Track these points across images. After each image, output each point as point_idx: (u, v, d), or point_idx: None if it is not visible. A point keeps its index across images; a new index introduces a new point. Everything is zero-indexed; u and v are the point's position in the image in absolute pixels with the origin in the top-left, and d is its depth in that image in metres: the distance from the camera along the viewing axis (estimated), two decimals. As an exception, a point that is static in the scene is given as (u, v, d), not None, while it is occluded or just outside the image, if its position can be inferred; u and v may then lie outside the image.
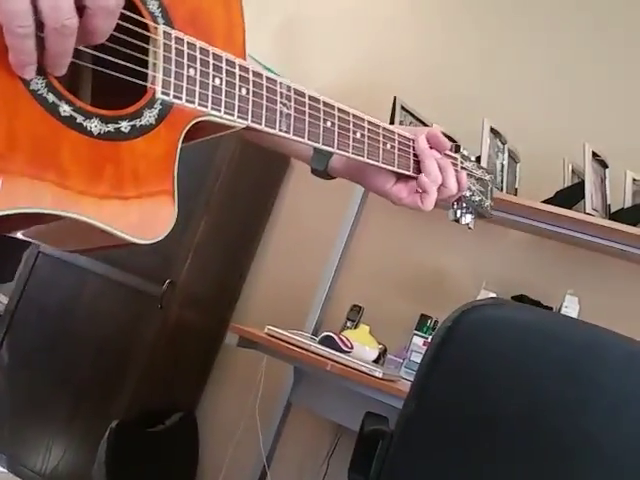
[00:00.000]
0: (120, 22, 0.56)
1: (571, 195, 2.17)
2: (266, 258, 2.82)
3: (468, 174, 0.92)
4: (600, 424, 1.12)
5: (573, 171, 2.26)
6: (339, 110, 0.76)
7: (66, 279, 2.64)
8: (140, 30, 0.58)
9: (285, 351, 2.01)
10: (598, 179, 2.20)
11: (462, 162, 0.92)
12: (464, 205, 0.93)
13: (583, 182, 2.12)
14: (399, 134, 0.83)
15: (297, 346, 2.02)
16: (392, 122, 2.33)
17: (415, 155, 0.84)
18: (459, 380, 1.14)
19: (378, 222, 2.61)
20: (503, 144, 2.34)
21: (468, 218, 0.94)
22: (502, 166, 2.31)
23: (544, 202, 2.17)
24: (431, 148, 0.85)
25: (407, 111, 2.40)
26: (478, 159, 2.23)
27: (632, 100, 2.39)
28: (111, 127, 0.56)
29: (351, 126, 0.77)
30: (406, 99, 2.41)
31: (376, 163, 0.80)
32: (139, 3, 0.59)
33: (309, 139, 0.72)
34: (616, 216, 2.14)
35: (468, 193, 0.92)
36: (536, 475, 1.15)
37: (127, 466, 2.38)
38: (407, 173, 0.83)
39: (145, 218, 0.58)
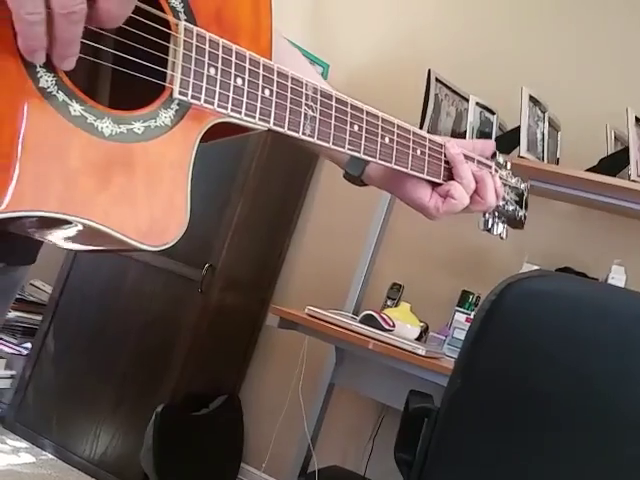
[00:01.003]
0: (140, 18, 0.54)
1: (615, 162, 2.10)
2: (304, 238, 2.81)
3: (503, 183, 0.88)
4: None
5: (616, 137, 2.19)
6: (367, 114, 0.72)
7: (107, 267, 2.67)
8: (160, 27, 0.56)
9: (326, 331, 2.01)
10: (643, 145, 2.12)
11: (497, 170, 0.87)
12: (496, 214, 0.88)
13: (627, 148, 2.05)
14: (430, 139, 0.79)
15: (338, 326, 2.01)
16: (427, 95, 2.28)
17: (447, 162, 0.80)
18: (506, 354, 1.11)
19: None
20: (543, 113, 2.27)
21: (500, 228, 0.89)
22: (543, 135, 2.25)
23: (587, 171, 2.11)
24: (470, 157, 0.82)
25: (442, 83, 2.35)
26: (518, 129, 2.17)
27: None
28: (124, 128, 0.54)
29: (380, 130, 0.73)
30: (441, 71, 2.35)
31: (404, 170, 0.76)
32: None
33: (334, 143, 0.68)
34: (663, 182, 2.07)
35: (502, 202, 0.87)
36: (589, 450, 1.12)
37: (174, 450, 2.41)
38: (437, 181, 0.80)
39: (155, 225, 0.56)
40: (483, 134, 2.33)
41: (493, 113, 2.38)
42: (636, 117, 2.09)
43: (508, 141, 2.24)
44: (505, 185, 0.89)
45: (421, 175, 0.78)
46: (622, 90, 2.32)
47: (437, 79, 2.33)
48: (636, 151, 2.06)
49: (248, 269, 2.69)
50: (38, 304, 2.88)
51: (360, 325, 2.01)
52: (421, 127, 2.23)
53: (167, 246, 0.57)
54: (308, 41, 2.83)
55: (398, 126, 0.76)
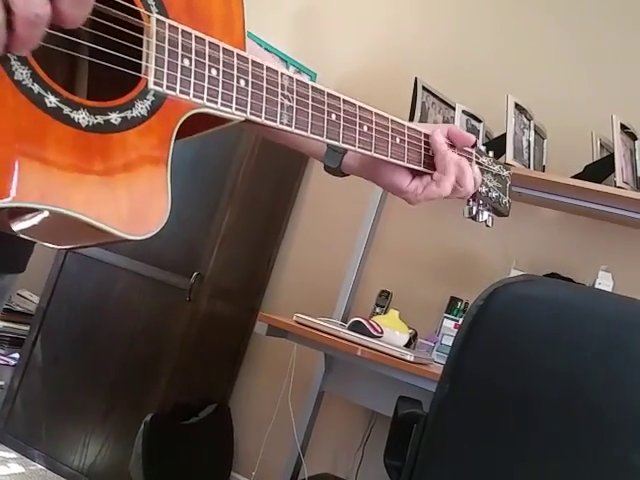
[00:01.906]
0: (113, 10, 0.54)
1: (601, 169, 2.12)
2: (293, 246, 2.82)
3: (485, 170, 0.89)
4: (638, 396, 1.09)
5: (602, 145, 2.21)
6: (345, 102, 0.73)
7: (95, 276, 2.66)
8: (132, 18, 0.56)
9: (315, 338, 2.01)
10: (627, 151, 2.15)
11: (478, 157, 0.88)
12: (480, 202, 0.90)
13: (612, 155, 2.07)
14: (409, 127, 0.80)
15: (327, 333, 2.01)
16: (414, 103, 2.30)
17: (427, 150, 0.81)
18: (493, 359, 1.12)
19: (403, 205, 2.56)
20: (529, 120, 2.29)
21: (485, 215, 0.91)
22: (529, 143, 2.27)
23: (573, 177, 2.12)
24: (452, 145, 0.83)
25: (429, 91, 2.36)
26: (504, 137, 2.18)
27: (660, 69, 2.32)
28: (100, 119, 0.54)
29: (357, 119, 0.73)
30: (427, 79, 2.37)
31: (384, 157, 0.77)
32: None
33: (312, 132, 0.68)
34: (648, 188, 2.09)
35: (484, 189, 0.89)
36: (575, 453, 1.12)
37: (163, 459, 2.40)
38: (417, 168, 0.80)
39: (136, 213, 0.55)
40: (470, 141, 2.35)
41: (480, 121, 2.40)
42: (621, 124, 2.11)
43: (494, 148, 2.24)
44: (487, 172, 0.90)
45: (401, 162, 0.79)
46: (607, 98, 2.35)
47: (424, 87, 2.35)
48: (621, 158, 2.08)
49: (237, 277, 2.69)
50: (26, 314, 2.86)
51: (348, 332, 2.02)
52: (408, 135, 2.24)
53: (151, 234, 0.56)
54: (296, 50, 2.84)
55: (376, 114, 0.76)
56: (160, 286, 2.53)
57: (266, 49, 2.66)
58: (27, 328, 2.77)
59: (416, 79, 2.32)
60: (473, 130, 2.38)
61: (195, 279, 2.47)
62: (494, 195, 0.91)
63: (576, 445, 1.12)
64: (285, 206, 2.82)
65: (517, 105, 2.23)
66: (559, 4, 2.52)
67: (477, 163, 0.88)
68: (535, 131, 2.31)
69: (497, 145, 2.25)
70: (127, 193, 0.55)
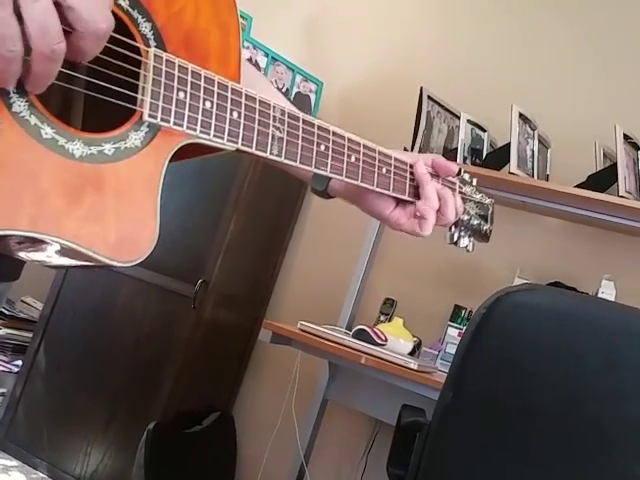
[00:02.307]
0: (111, 46, 0.56)
1: (604, 178, 2.12)
2: (297, 254, 2.82)
3: (468, 199, 0.93)
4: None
5: (605, 154, 2.21)
6: (334, 134, 0.76)
7: (99, 283, 2.67)
8: (131, 54, 0.58)
9: (319, 346, 2.01)
10: (630, 161, 2.15)
11: (461, 187, 0.92)
12: (462, 229, 0.93)
13: (615, 165, 2.08)
14: (396, 158, 0.83)
15: (330, 340, 2.01)
16: (419, 112, 2.30)
17: (412, 180, 0.84)
18: (495, 368, 1.12)
19: (407, 214, 2.58)
20: (533, 130, 2.30)
21: (466, 241, 0.95)
22: (533, 152, 2.27)
23: (576, 187, 2.13)
24: (435, 174, 0.86)
25: (434, 101, 2.37)
26: (508, 146, 2.19)
27: (664, 79, 2.33)
28: (94, 150, 0.56)
29: (346, 150, 0.76)
30: (433, 89, 2.38)
31: (371, 187, 0.80)
32: (131, 25, 0.59)
33: (301, 162, 0.71)
34: (651, 198, 2.09)
35: (466, 217, 0.92)
36: (575, 465, 1.12)
37: (166, 468, 2.40)
38: (403, 197, 0.84)
39: (124, 242, 0.58)
40: (474, 151, 2.36)
41: (484, 130, 2.41)
42: (624, 134, 2.12)
43: (499, 158, 2.27)
44: (470, 200, 0.94)
45: (387, 192, 0.82)
46: (610, 108, 2.35)
47: (429, 97, 2.36)
48: (624, 167, 2.08)
49: (241, 285, 2.69)
50: (29, 321, 2.87)
51: (352, 340, 2.02)
52: (413, 144, 2.25)
53: (138, 261, 0.58)
54: (303, 58, 2.86)
55: (364, 145, 0.79)
56: (164, 293, 2.54)
57: (273, 58, 2.68)
58: (30, 335, 2.77)
59: (421, 88, 2.34)
60: (478, 139, 2.39)
61: (200, 286, 2.47)
62: (475, 222, 0.94)
63: (576, 456, 1.12)
64: (290, 214, 2.83)
65: (521, 115, 2.23)
66: (563, 16, 2.53)
67: (460, 192, 0.91)
68: (539, 141, 2.32)
69: (501, 154, 2.26)
70: (116, 221, 0.57)
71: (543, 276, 2.28)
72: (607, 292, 2.03)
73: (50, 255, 0.58)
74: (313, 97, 2.77)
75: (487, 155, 2.34)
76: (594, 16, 2.47)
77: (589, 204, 2.12)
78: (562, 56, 2.50)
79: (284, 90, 2.68)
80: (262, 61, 2.63)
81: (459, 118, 2.37)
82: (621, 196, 2.03)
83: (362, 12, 2.93)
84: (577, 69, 2.46)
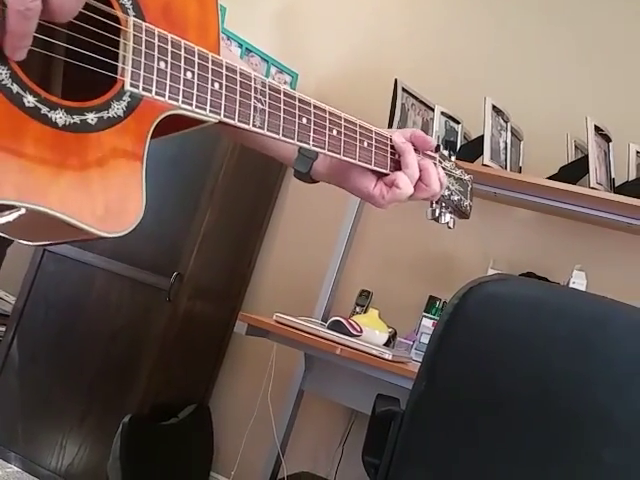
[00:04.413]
0: (91, 14, 0.55)
1: (575, 170, 2.16)
2: (273, 246, 2.82)
3: (448, 174, 0.92)
4: (611, 398, 1.12)
5: (576, 146, 2.25)
6: (315, 107, 0.75)
7: (72, 276, 2.65)
8: (110, 22, 0.58)
9: (294, 337, 2.02)
10: (602, 153, 2.19)
11: (441, 162, 0.91)
12: (443, 204, 0.93)
13: (587, 157, 2.11)
14: (376, 132, 0.83)
15: (306, 332, 2.02)
16: (394, 104, 2.32)
17: (393, 154, 0.84)
18: (468, 357, 1.13)
19: (383, 206, 2.60)
20: (506, 122, 2.32)
21: (447, 217, 0.94)
22: (506, 144, 2.30)
23: (548, 179, 2.16)
24: (415, 149, 0.85)
25: (409, 93, 2.39)
26: (481, 138, 2.21)
27: (635, 73, 2.37)
28: (77, 119, 0.56)
29: (327, 123, 0.76)
30: (407, 81, 2.39)
31: (353, 161, 0.79)
32: None
33: (284, 135, 0.71)
34: (621, 189, 2.13)
35: (447, 192, 0.92)
36: (548, 451, 1.15)
37: (142, 460, 2.39)
38: (384, 171, 0.83)
39: (111, 211, 0.57)
40: (448, 143, 2.38)
41: (458, 122, 2.43)
42: (595, 126, 2.15)
43: (472, 150, 2.29)
44: (450, 176, 0.93)
45: (368, 166, 0.81)
46: (582, 100, 2.39)
47: (404, 89, 2.37)
48: (595, 159, 2.11)
49: (217, 277, 2.69)
50: (1, 315, 2.83)
51: (328, 331, 2.03)
52: (387, 136, 2.26)
53: (126, 232, 0.58)
54: (277, 50, 2.85)
55: (345, 119, 0.79)
56: (139, 286, 2.53)
57: (247, 49, 2.67)
58: (3, 329, 2.74)
59: (396, 80, 2.35)
60: (452, 131, 2.41)
61: (175, 279, 2.47)
62: (456, 198, 0.94)
63: (548, 443, 1.14)
64: (266, 206, 2.82)
65: (494, 107, 2.26)
66: (536, 9, 2.56)
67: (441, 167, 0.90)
68: (512, 133, 2.34)
69: (475, 146, 2.28)
70: (103, 191, 0.56)
71: (516, 267, 2.31)
72: (578, 282, 2.07)
73: (35, 228, 0.58)
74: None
75: (461, 147, 2.37)
76: (566, 9, 2.50)
77: (561, 196, 2.15)
78: (534, 49, 2.52)
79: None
80: (236, 52, 2.62)
81: (433, 110, 2.39)
82: (592, 187, 2.07)
83: (336, 3, 2.93)
84: (549, 62, 2.49)
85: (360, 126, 0.81)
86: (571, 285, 2.06)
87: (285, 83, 2.77)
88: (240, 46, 2.64)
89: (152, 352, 2.48)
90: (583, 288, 2.05)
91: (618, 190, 2.13)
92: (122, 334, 2.53)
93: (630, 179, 2.12)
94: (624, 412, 1.11)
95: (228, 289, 2.75)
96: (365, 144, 0.81)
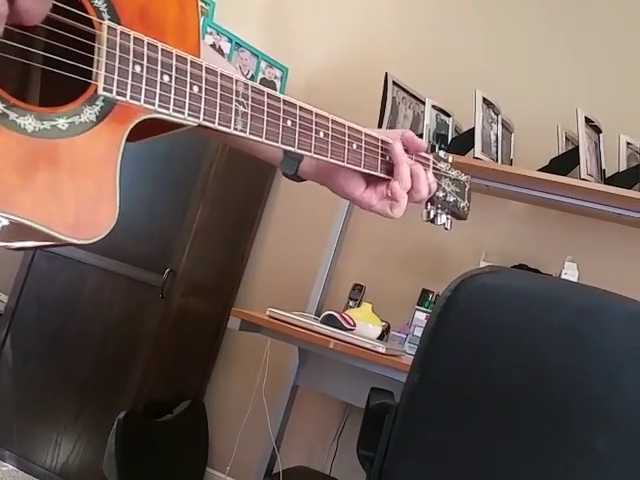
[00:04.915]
0: (63, 19, 0.55)
1: (566, 162, 2.16)
2: (266, 242, 2.82)
3: (443, 175, 0.91)
4: (603, 387, 1.12)
5: (567, 138, 2.25)
6: (301, 109, 0.74)
7: (65, 274, 2.64)
8: (83, 27, 0.57)
9: (288, 332, 2.02)
10: (592, 144, 2.19)
11: (435, 163, 0.90)
12: (438, 206, 0.92)
13: (577, 148, 2.11)
14: (366, 134, 0.81)
15: (299, 326, 2.02)
16: (384, 98, 2.32)
17: (383, 156, 0.82)
18: (460, 349, 1.14)
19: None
20: (497, 115, 2.33)
21: (443, 219, 0.93)
22: (497, 137, 2.30)
23: (539, 171, 2.16)
24: (406, 150, 0.84)
25: (399, 86, 2.39)
26: (472, 131, 2.21)
27: (624, 64, 2.37)
28: (47, 124, 0.55)
29: (314, 125, 0.74)
30: (398, 75, 2.39)
31: (341, 163, 0.78)
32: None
33: (267, 138, 0.70)
34: (611, 180, 2.14)
35: (442, 194, 0.91)
36: (540, 440, 1.15)
37: (137, 456, 2.39)
38: (374, 174, 0.82)
39: (82, 218, 0.56)
40: (439, 136, 2.38)
41: (449, 115, 2.43)
42: (586, 118, 2.15)
43: (463, 143, 2.29)
44: (445, 177, 0.92)
45: (358, 168, 0.80)
46: (572, 91, 2.39)
47: (394, 82, 2.37)
48: (585, 150, 2.12)
49: (210, 273, 2.68)
50: (-5, 313, 2.82)
51: (321, 325, 2.03)
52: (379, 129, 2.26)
53: (98, 239, 0.57)
54: (267, 44, 2.84)
55: (333, 121, 0.77)
56: (132, 283, 2.52)
57: (237, 44, 2.66)
58: (-3, 328, 2.74)
59: (386, 74, 2.34)
60: (443, 125, 2.41)
61: (167, 276, 2.46)
62: (452, 199, 0.93)
63: (541, 433, 1.15)
64: (258, 201, 2.82)
65: (485, 100, 2.26)
66: (526, 1, 2.56)
67: (434, 169, 0.89)
68: (503, 125, 2.34)
69: (466, 139, 2.28)
70: (74, 198, 0.56)
71: (508, 259, 2.32)
72: (570, 273, 2.07)
73: (6, 233, 0.57)
74: (278, 83, 2.76)
75: (452, 140, 2.37)
76: (556, 2, 2.50)
77: (552, 187, 2.16)
78: (524, 41, 2.52)
79: (249, 77, 2.67)
80: (226, 47, 2.61)
81: (424, 104, 2.39)
82: (583, 179, 2.07)
83: (327, -3, 2.92)
84: (539, 54, 2.49)
85: (349, 127, 0.79)
86: (563, 276, 2.07)
87: (275, 78, 2.77)
88: (230, 41, 2.63)
89: (146, 349, 2.48)
90: (575, 279, 2.06)
91: (609, 181, 2.14)
92: (115, 331, 2.53)
93: (620, 170, 2.13)
94: (617, 402, 1.12)
95: (221, 285, 2.75)
96: (354, 146, 0.79)
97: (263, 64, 2.74)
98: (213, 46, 2.56)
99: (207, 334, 2.75)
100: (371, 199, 0.83)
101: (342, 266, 2.61)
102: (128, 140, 0.60)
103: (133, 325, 2.51)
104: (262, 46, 2.77)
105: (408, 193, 0.83)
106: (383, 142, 0.83)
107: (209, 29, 2.55)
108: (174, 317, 2.52)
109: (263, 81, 2.71)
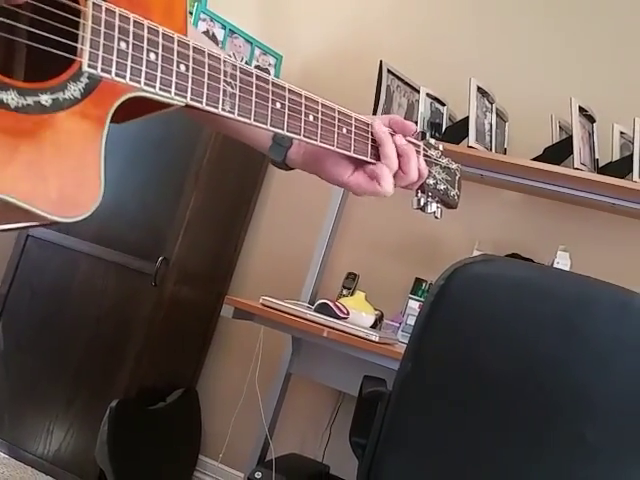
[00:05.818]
0: None
1: (559, 151, 2.16)
2: (259, 230, 2.82)
3: (433, 162, 0.90)
4: (592, 376, 1.13)
5: (561, 127, 2.25)
6: (290, 91, 0.73)
7: (57, 261, 2.63)
8: (68, 2, 0.56)
9: (281, 320, 2.02)
10: (586, 134, 2.19)
11: (426, 150, 0.89)
12: (429, 194, 0.91)
13: (571, 137, 2.11)
14: (356, 118, 0.80)
15: (293, 315, 2.02)
16: (379, 86, 2.31)
17: (374, 141, 0.81)
18: (453, 337, 1.14)
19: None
20: (491, 104, 2.32)
21: (433, 207, 0.92)
22: (491, 126, 2.30)
23: (533, 160, 2.16)
24: (395, 133, 0.83)
25: (394, 75, 2.38)
26: (467, 120, 2.21)
27: (617, 53, 2.37)
28: (30, 100, 0.54)
29: (303, 108, 0.73)
30: (393, 63, 2.38)
31: (330, 147, 0.77)
32: None
33: (255, 120, 0.69)
34: (604, 170, 2.14)
35: (432, 181, 0.90)
36: (530, 429, 1.16)
37: (130, 444, 2.40)
38: (364, 159, 0.80)
39: (66, 196, 0.55)
40: (434, 125, 2.37)
41: (443, 104, 2.42)
42: (579, 107, 2.15)
43: (458, 131, 2.29)
44: (436, 164, 0.91)
45: (347, 152, 0.79)
46: (566, 81, 2.39)
47: (389, 70, 2.36)
48: (579, 140, 2.12)
49: (203, 261, 2.68)
50: (-13, 301, 2.81)
51: (314, 314, 2.03)
52: (373, 117, 2.25)
53: (81, 217, 0.56)
54: (262, 32, 2.82)
55: (322, 104, 0.76)
56: (125, 271, 2.51)
57: (231, 30, 2.64)
58: (-11, 315, 2.73)
59: (381, 62, 2.33)
60: (437, 113, 2.40)
61: (160, 264, 2.46)
62: (442, 187, 0.92)
63: (532, 421, 1.15)
64: (252, 189, 2.81)
65: (479, 89, 2.25)
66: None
67: (425, 155, 0.88)
68: (497, 114, 2.34)
69: (460, 128, 2.28)
70: (57, 175, 0.54)
71: (501, 248, 2.32)
72: (562, 262, 2.08)
73: None
74: (272, 71, 2.75)
75: (446, 129, 2.36)
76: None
77: (545, 176, 2.16)
78: (519, 30, 2.52)
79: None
80: (220, 34, 2.59)
81: (418, 92, 2.38)
82: (576, 168, 2.08)
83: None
84: (533, 43, 2.49)
85: (339, 112, 0.78)
86: (555, 266, 2.07)
87: (269, 65, 2.75)
88: (224, 27, 2.61)
89: (139, 337, 2.47)
90: (567, 268, 2.07)
91: (602, 170, 2.15)
92: (108, 319, 2.52)
93: (614, 159, 2.13)
94: (606, 391, 1.13)
95: (214, 273, 2.75)
96: (344, 130, 0.78)
97: (257, 51, 2.72)
98: (207, 33, 2.54)
99: (200, 322, 2.75)
100: (360, 182, 0.82)
101: (336, 255, 2.61)
102: (115, 120, 0.59)
103: (126, 313, 2.50)
104: (256, 33, 2.75)
105: (397, 175, 0.82)
106: (372, 127, 0.82)
107: (202, 15, 2.53)
108: (167, 305, 2.52)
109: (257, 68, 2.69)
